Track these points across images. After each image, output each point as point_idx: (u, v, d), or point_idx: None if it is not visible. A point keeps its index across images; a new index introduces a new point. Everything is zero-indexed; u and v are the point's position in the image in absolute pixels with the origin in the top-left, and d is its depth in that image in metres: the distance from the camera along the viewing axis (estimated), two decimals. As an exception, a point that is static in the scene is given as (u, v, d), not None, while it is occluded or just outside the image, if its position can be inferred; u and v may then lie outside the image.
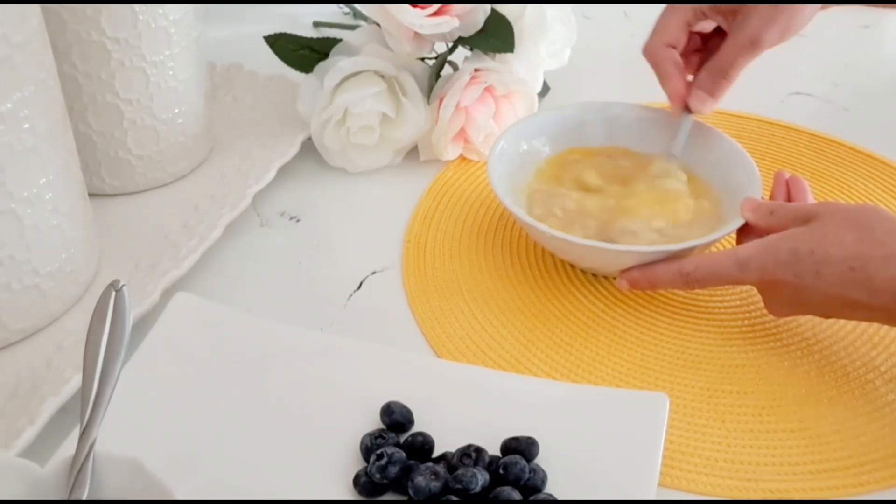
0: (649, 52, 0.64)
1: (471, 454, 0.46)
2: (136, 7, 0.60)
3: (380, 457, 0.45)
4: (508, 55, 0.71)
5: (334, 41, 0.72)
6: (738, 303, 0.59)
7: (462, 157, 0.74)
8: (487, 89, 0.70)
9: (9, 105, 0.48)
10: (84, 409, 0.40)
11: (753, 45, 0.60)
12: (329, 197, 0.70)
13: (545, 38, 0.73)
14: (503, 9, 0.71)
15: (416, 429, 0.49)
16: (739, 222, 0.57)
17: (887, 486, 0.48)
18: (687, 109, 0.64)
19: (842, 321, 0.57)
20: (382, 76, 0.70)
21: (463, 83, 0.69)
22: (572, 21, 0.76)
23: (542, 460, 0.47)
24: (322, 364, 0.52)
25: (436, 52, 0.74)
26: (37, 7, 0.50)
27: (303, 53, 0.73)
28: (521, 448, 0.47)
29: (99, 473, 0.39)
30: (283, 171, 0.69)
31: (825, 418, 0.51)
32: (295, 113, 0.72)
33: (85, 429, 0.40)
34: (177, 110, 0.66)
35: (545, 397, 0.50)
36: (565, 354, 0.56)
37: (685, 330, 0.58)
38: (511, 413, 0.49)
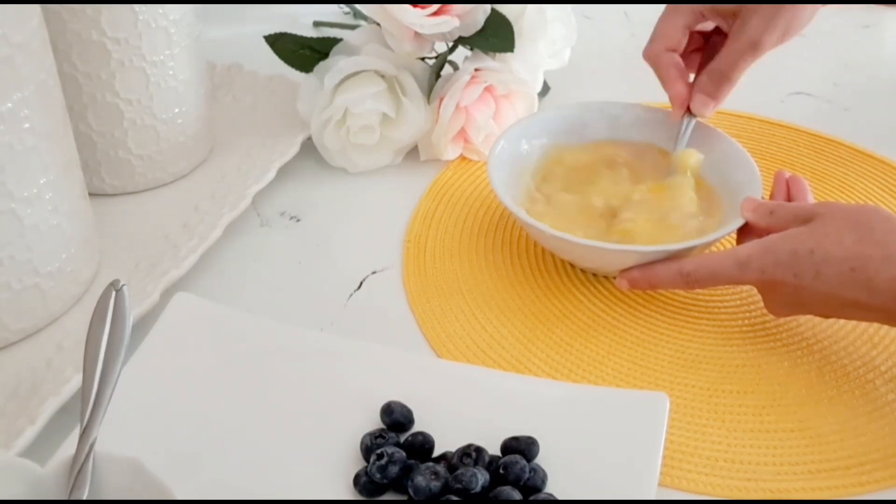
0: (650, 57, 0.64)
1: (471, 454, 0.46)
2: (136, 7, 0.60)
3: (380, 456, 0.45)
4: (508, 55, 0.71)
5: (334, 41, 0.72)
6: (738, 303, 0.59)
7: (462, 157, 0.74)
8: (487, 89, 0.70)
9: (9, 105, 0.48)
10: (84, 409, 0.40)
11: (754, 48, 0.59)
12: (329, 197, 0.70)
13: (545, 38, 0.73)
14: (503, 9, 0.71)
15: (416, 428, 0.49)
16: (739, 222, 0.57)
17: (887, 486, 0.48)
18: (689, 112, 0.64)
19: (842, 321, 0.57)
20: (382, 76, 0.70)
21: (463, 83, 0.69)
22: (572, 21, 0.76)
23: (542, 460, 0.47)
24: (322, 364, 0.52)
25: (436, 51, 0.74)
26: (37, 7, 0.50)
27: (303, 53, 0.73)
28: (521, 448, 0.47)
29: (99, 473, 0.39)
30: (283, 171, 0.69)
31: (825, 418, 0.51)
32: (295, 113, 0.72)
33: (85, 429, 0.40)
34: (177, 110, 0.66)
35: (545, 397, 0.50)
36: (565, 354, 0.56)
37: (685, 329, 0.58)
38: (511, 413, 0.49)
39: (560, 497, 0.45)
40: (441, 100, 0.70)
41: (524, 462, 0.45)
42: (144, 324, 0.54)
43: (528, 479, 0.45)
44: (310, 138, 0.71)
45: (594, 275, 0.62)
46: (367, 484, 0.45)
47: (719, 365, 0.55)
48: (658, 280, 0.56)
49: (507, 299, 0.60)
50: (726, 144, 0.64)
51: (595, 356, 0.56)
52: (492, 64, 0.71)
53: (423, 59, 0.72)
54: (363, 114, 0.68)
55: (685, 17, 0.62)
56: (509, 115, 0.72)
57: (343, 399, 0.50)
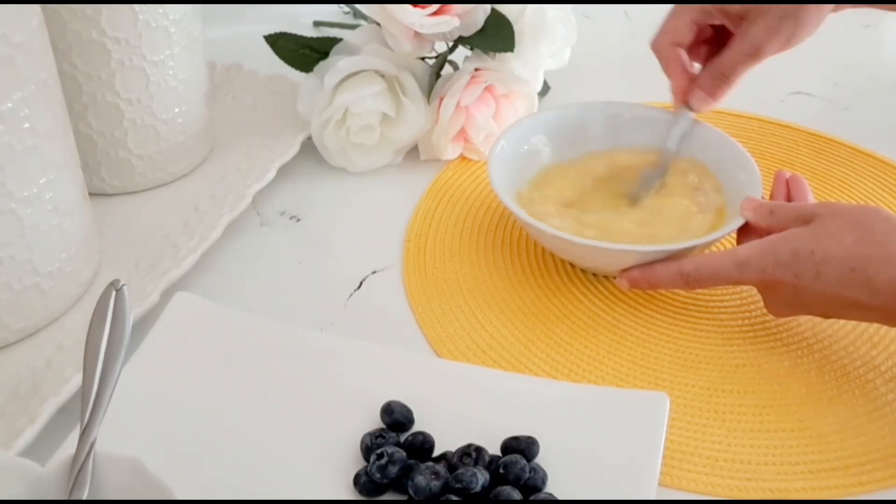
0: (656, 49, 0.64)
1: (471, 453, 0.46)
2: (136, 7, 0.60)
3: (380, 456, 0.45)
4: (508, 55, 0.71)
5: (334, 41, 0.72)
6: (738, 303, 0.59)
7: (462, 157, 0.74)
8: (487, 89, 0.70)
9: (9, 105, 0.48)
10: (84, 409, 0.40)
11: (755, 54, 0.60)
12: (329, 197, 0.70)
13: (545, 38, 0.73)
14: (503, 8, 0.71)
15: (416, 428, 0.49)
16: (739, 222, 0.57)
17: (887, 486, 0.48)
18: (688, 106, 0.64)
19: (842, 321, 0.57)
20: (382, 76, 0.70)
21: (463, 83, 0.69)
22: (572, 21, 0.76)
23: (542, 460, 0.47)
24: (322, 364, 0.52)
25: (436, 51, 0.74)
26: (37, 7, 0.50)
27: (303, 53, 0.73)
28: (521, 447, 0.47)
29: (99, 473, 0.39)
30: (283, 171, 0.69)
31: (825, 418, 0.51)
32: (295, 113, 0.72)
33: (85, 429, 0.40)
34: (177, 110, 0.66)
35: (545, 397, 0.50)
36: (565, 354, 0.56)
37: (685, 329, 0.58)
38: (511, 413, 0.49)
39: (560, 497, 0.45)
40: (441, 99, 0.70)
41: (524, 462, 0.45)
42: (144, 324, 0.54)
43: (528, 478, 0.45)
44: (310, 138, 0.71)
45: (594, 275, 0.62)
46: (367, 484, 0.45)
47: (719, 365, 0.55)
48: (658, 280, 0.56)
49: (507, 299, 0.60)
50: (726, 144, 0.64)
51: (595, 356, 0.56)
52: (492, 64, 0.71)
53: (423, 58, 0.72)
54: (363, 113, 0.68)
55: (694, 13, 0.62)
56: (509, 115, 0.72)
57: (343, 399, 0.50)
